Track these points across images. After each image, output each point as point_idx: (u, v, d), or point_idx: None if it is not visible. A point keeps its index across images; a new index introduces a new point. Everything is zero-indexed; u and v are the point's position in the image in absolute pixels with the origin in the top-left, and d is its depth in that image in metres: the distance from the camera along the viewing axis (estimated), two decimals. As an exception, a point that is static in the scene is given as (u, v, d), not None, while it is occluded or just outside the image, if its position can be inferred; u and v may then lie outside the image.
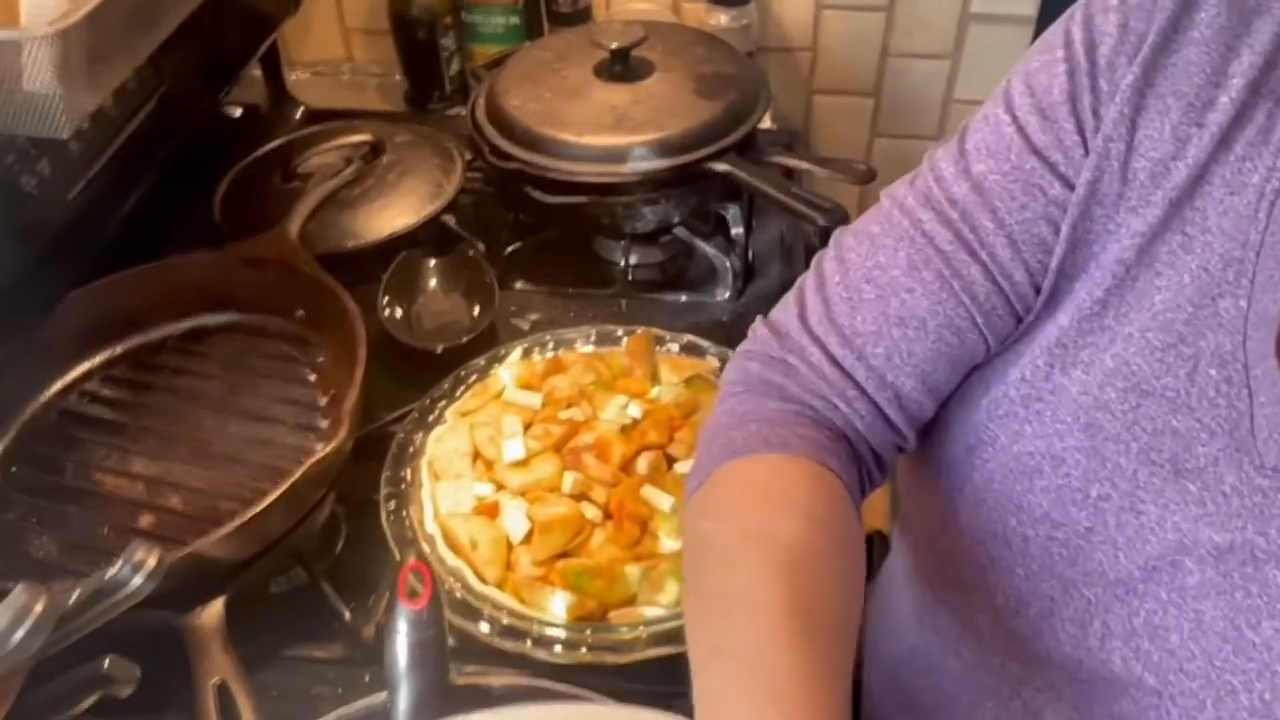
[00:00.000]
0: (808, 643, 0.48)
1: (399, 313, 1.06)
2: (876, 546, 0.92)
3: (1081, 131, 0.54)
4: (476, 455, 0.87)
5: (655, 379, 0.92)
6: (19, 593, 0.52)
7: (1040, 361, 0.55)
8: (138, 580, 0.57)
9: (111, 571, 0.57)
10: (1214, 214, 0.50)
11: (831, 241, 0.66)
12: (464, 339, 1.00)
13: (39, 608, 0.52)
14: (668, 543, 0.79)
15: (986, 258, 0.56)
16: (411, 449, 0.88)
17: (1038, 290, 0.56)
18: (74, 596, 0.56)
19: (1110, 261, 0.53)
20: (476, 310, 1.07)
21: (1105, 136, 0.52)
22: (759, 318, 0.67)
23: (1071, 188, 0.54)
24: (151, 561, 0.57)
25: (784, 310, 0.66)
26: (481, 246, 1.12)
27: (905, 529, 0.72)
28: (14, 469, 0.86)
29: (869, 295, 0.60)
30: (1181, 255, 0.51)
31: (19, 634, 0.52)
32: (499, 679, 0.68)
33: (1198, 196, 0.50)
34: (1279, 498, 0.48)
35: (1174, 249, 0.51)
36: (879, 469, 0.64)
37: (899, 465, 0.67)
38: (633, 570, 0.76)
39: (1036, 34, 1.39)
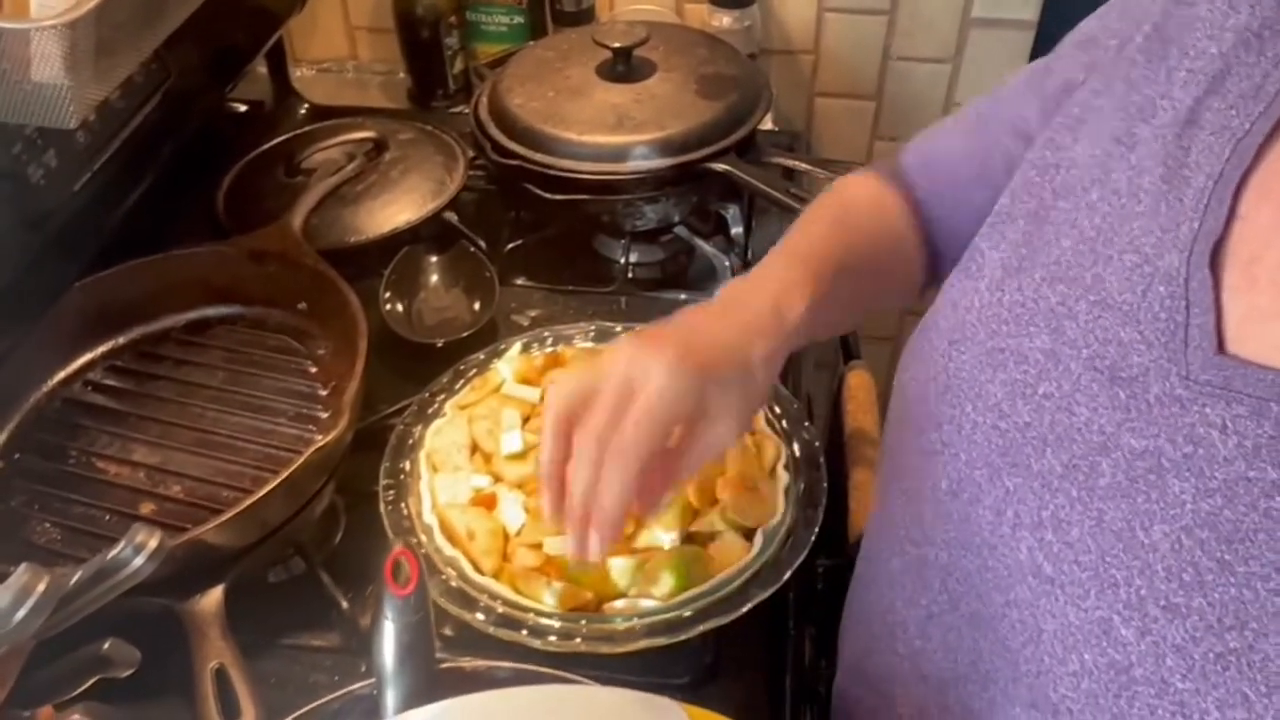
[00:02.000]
0: (834, 230, 0.76)
1: (400, 307, 1.06)
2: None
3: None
4: (475, 448, 0.88)
5: (653, 375, 0.92)
6: (21, 573, 0.53)
7: (1037, 275, 0.60)
8: (139, 561, 0.58)
9: (113, 553, 0.58)
10: (1195, 150, 0.55)
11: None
12: (464, 334, 1.01)
13: (41, 587, 0.53)
14: (662, 536, 0.79)
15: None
16: (410, 441, 0.89)
17: None
18: (75, 577, 0.57)
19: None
20: (477, 306, 1.08)
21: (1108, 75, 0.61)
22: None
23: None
24: (153, 543, 0.58)
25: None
26: (483, 243, 1.13)
27: (888, 432, 0.74)
28: (17, 456, 0.87)
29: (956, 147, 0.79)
30: (1162, 185, 0.55)
31: (20, 613, 0.52)
32: (485, 664, 0.69)
33: (1185, 136, 0.55)
34: (1193, 408, 0.51)
35: (1156, 179, 0.56)
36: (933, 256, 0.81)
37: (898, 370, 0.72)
38: (620, 564, 0.77)
39: (1037, 39, 1.41)
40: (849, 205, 0.80)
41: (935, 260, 0.81)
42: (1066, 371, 0.56)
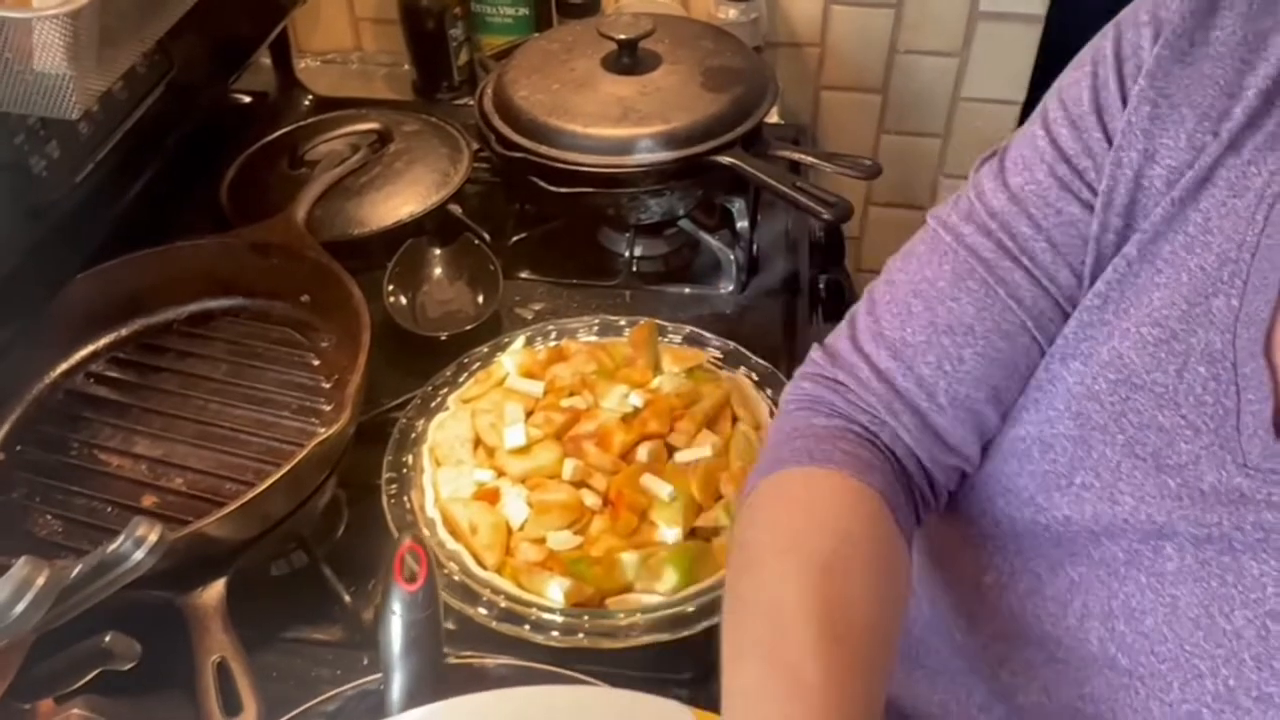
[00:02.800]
0: (832, 647, 0.50)
1: (404, 300, 1.06)
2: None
3: (1110, 140, 0.55)
4: (478, 442, 0.87)
5: (657, 369, 0.92)
6: (21, 565, 0.53)
7: (1047, 353, 0.57)
8: (139, 555, 0.57)
9: (113, 546, 0.57)
10: (1215, 215, 0.51)
11: (883, 269, 0.66)
12: (468, 327, 1.01)
13: (41, 580, 0.53)
14: (666, 531, 0.79)
15: (1028, 262, 0.58)
16: (414, 435, 0.89)
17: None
18: (76, 570, 0.57)
19: (1115, 258, 0.54)
20: (481, 299, 1.07)
21: (1118, 146, 0.54)
22: (815, 344, 0.68)
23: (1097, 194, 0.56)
24: (153, 537, 0.57)
25: (836, 334, 0.67)
26: (487, 236, 1.12)
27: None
28: (19, 448, 0.87)
29: (917, 308, 0.61)
30: (1182, 254, 0.52)
31: (20, 606, 0.52)
32: (493, 661, 0.69)
33: (1203, 198, 0.52)
34: (1258, 495, 0.49)
35: (1176, 248, 0.52)
36: (931, 487, 0.63)
37: None
38: (629, 558, 0.77)
39: (1045, 32, 1.40)
40: (828, 589, 0.54)
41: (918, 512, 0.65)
42: (1103, 459, 0.53)
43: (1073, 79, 0.58)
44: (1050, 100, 0.60)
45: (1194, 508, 0.50)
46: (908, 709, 0.76)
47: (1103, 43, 0.57)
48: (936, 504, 0.64)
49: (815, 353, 0.67)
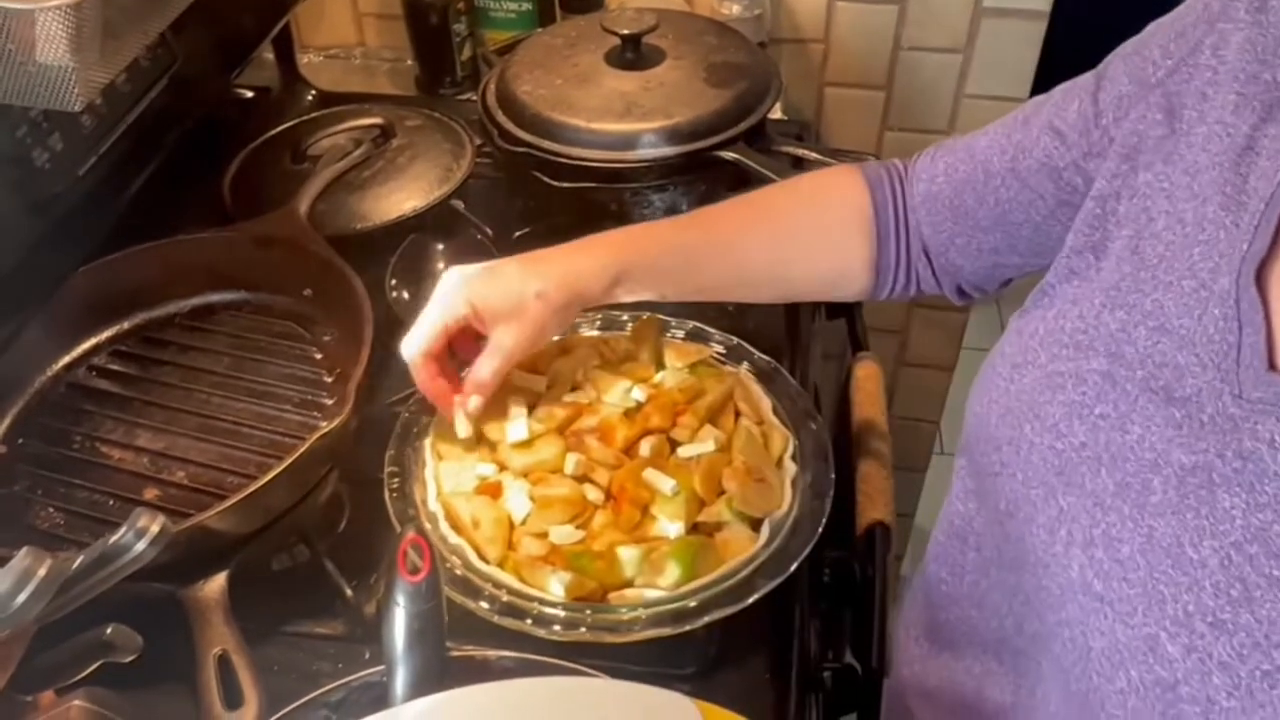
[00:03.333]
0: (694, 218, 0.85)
1: (406, 295, 1.06)
2: (879, 538, 0.92)
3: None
4: (480, 436, 0.87)
5: (660, 364, 0.92)
6: (23, 556, 0.53)
7: (1097, 300, 0.61)
8: (141, 546, 0.57)
9: (115, 538, 0.57)
10: (1253, 177, 0.55)
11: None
12: (470, 322, 1.01)
13: (42, 571, 0.53)
14: (668, 526, 0.79)
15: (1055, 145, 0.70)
16: (416, 429, 0.89)
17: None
18: (77, 562, 0.57)
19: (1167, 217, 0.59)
20: (483, 294, 1.07)
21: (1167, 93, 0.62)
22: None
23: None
24: (155, 528, 0.57)
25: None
26: (489, 231, 1.12)
27: (958, 461, 0.76)
28: (21, 441, 0.87)
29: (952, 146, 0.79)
30: (1221, 213, 0.56)
31: (22, 597, 0.52)
32: (495, 654, 0.68)
33: (1243, 163, 0.56)
34: (1244, 425, 0.51)
35: (1216, 207, 0.56)
36: (925, 253, 0.81)
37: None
38: (629, 553, 0.76)
39: (1049, 28, 1.39)
40: (780, 191, 0.87)
41: (900, 260, 0.83)
42: (1124, 393, 0.57)
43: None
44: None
45: (1190, 436, 0.53)
46: (931, 687, 0.79)
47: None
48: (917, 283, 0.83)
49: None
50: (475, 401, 0.82)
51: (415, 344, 0.79)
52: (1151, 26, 0.66)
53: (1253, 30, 0.58)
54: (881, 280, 0.84)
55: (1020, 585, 0.65)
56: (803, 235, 0.84)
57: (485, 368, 0.81)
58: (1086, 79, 0.70)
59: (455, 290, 0.79)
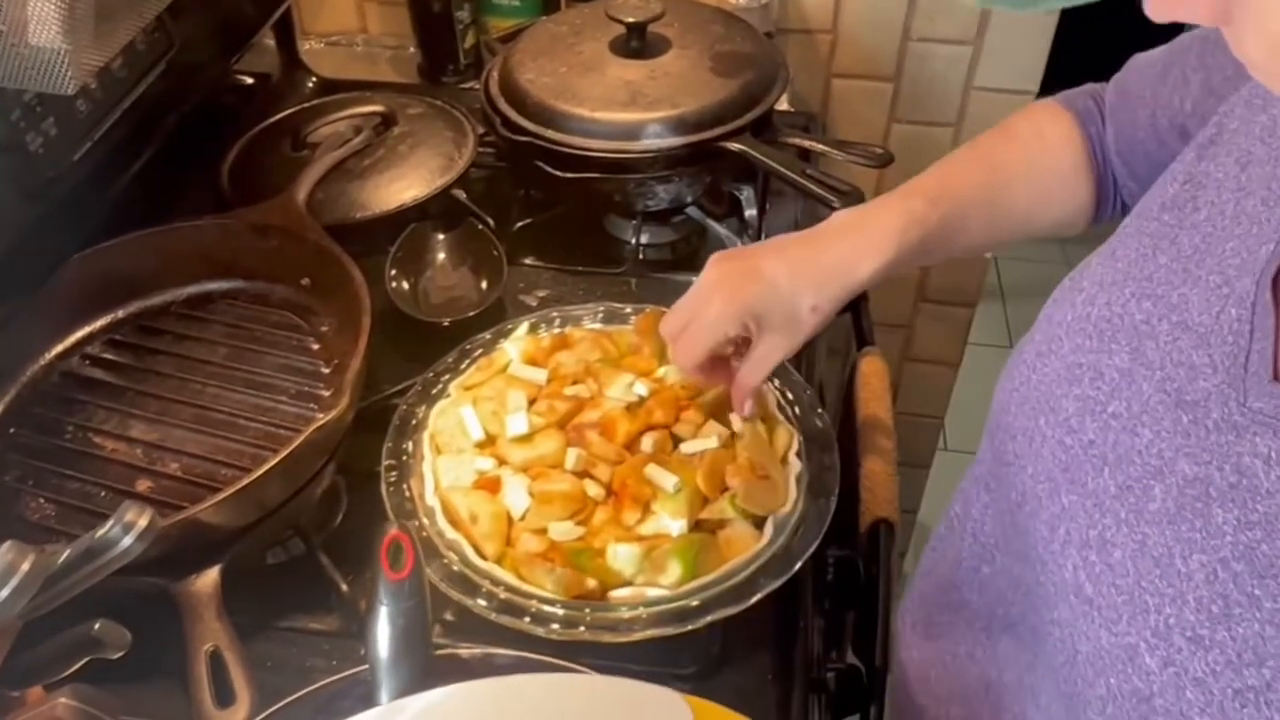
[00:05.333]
0: (969, 168, 0.80)
1: (406, 285, 1.04)
2: (883, 536, 0.91)
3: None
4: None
5: (663, 358, 0.90)
6: (5, 551, 0.51)
7: (1128, 290, 0.59)
8: (128, 541, 0.56)
9: (101, 531, 0.56)
10: None
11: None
12: (471, 313, 0.99)
13: (25, 566, 0.51)
14: (670, 523, 0.77)
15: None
16: (414, 422, 0.87)
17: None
18: (63, 556, 0.55)
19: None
20: (484, 285, 1.06)
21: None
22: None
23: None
24: (143, 522, 0.56)
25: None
26: (491, 221, 1.11)
27: (986, 435, 0.75)
28: (12, 430, 0.86)
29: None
30: (1261, 208, 0.55)
31: (3, 593, 0.51)
32: (482, 651, 0.67)
33: None
34: (1245, 437, 0.50)
35: (1258, 201, 0.55)
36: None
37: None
38: (625, 550, 0.75)
39: (1061, 20, 1.37)
40: (1003, 141, 0.83)
41: (1114, 189, 0.82)
42: (1138, 392, 0.56)
43: None
44: None
45: (1196, 446, 0.52)
46: (929, 673, 0.79)
47: None
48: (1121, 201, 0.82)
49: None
50: (750, 405, 0.82)
51: (690, 361, 0.79)
52: None
53: None
54: (1101, 211, 0.83)
55: (1022, 577, 0.65)
56: (1044, 180, 0.82)
57: (754, 377, 0.80)
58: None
59: (726, 305, 0.76)
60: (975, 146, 0.82)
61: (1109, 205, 0.82)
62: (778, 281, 0.76)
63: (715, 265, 0.78)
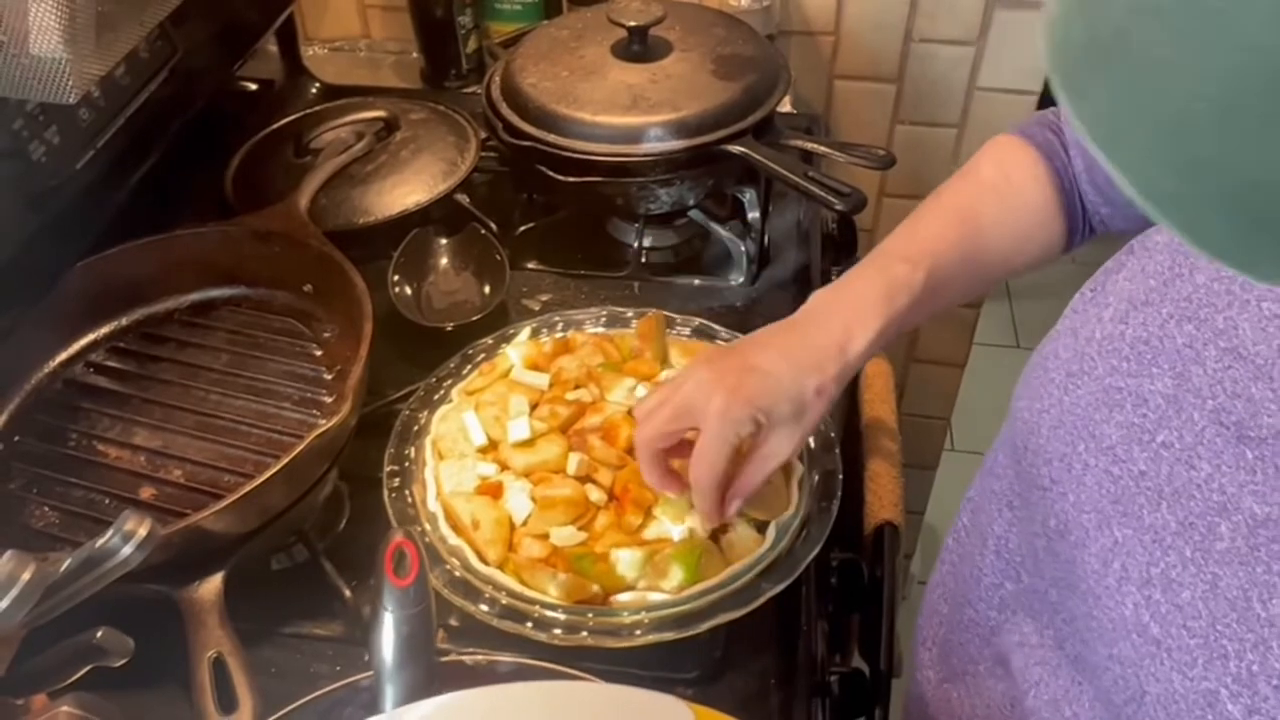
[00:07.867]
0: (948, 225, 0.78)
1: (409, 291, 1.05)
2: (888, 538, 0.90)
3: None
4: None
5: (665, 362, 0.90)
6: (6, 560, 0.51)
7: (1165, 310, 0.57)
8: (128, 550, 0.56)
9: (102, 540, 0.56)
10: None
11: None
12: (473, 318, 0.99)
13: (26, 576, 0.51)
14: (672, 527, 0.77)
15: None
16: (416, 427, 0.87)
17: None
18: (64, 565, 0.55)
19: None
20: (487, 290, 1.06)
21: None
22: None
23: None
24: (142, 531, 0.56)
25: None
26: (494, 226, 1.11)
27: (1005, 450, 0.75)
28: (16, 438, 0.86)
29: None
30: None
31: (4, 602, 0.51)
32: (487, 658, 0.67)
33: None
34: None
35: None
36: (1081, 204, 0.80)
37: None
38: (627, 555, 0.75)
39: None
40: (970, 188, 0.81)
41: (1084, 217, 0.81)
42: (1189, 421, 0.54)
43: None
44: None
45: (1265, 485, 0.50)
46: (950, 696, 0.78)
47: None
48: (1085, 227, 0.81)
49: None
50: (738, 505, 0.75)
51: (710, 474, 0.72)
52: None
53: None
54: (1072, 241, 0.82)
55: (1063, 605, 0.63)
56: (1018, 223, 0.80)
57: (760, 474, 0.74)
58: None
59: (732, 403, 0.71)
60: (941, 198, 0.81)
61: (1079, 234, 0.81)
62: (778, 371, 0.73)
63: (705, 365, 0.74)
